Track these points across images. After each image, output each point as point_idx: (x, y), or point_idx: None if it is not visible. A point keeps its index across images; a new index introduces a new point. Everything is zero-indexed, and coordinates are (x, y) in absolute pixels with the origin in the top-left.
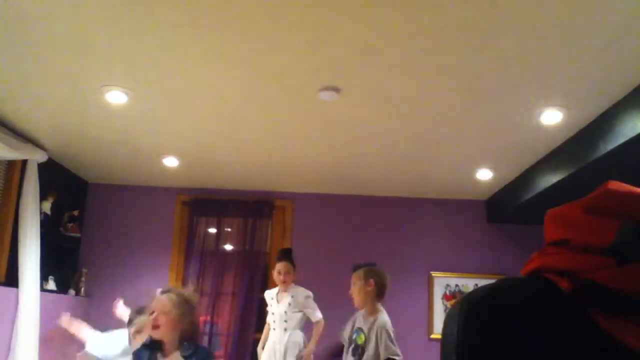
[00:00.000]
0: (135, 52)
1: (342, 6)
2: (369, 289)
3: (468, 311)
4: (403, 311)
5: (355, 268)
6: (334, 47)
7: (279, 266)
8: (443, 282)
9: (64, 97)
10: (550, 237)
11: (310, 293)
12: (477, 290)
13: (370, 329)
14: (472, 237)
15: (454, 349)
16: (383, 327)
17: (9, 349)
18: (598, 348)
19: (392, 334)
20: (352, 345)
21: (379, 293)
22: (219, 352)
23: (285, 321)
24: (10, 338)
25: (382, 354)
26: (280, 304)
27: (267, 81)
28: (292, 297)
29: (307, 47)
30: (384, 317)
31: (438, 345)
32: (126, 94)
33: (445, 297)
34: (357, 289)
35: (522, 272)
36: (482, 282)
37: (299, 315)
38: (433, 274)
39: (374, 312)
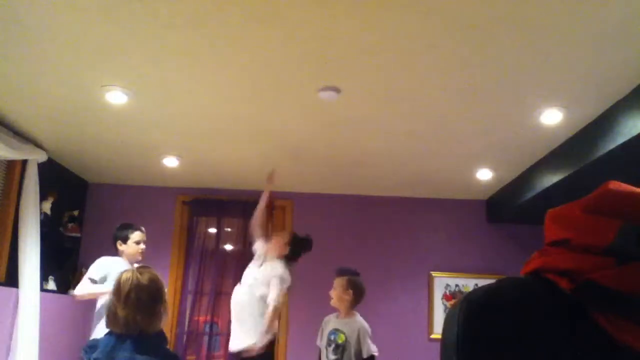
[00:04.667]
0: (136, 52)
1: (342, 6)
2: (347, 297)
3: (468, 311)
4: (403, 311)
5: (340, 273)
6: (334, 47)
7: None
8: (443, 282)
9: (64, 97)
10: (550, 237)
11: (281, 272)
12: (477, 290)
13: (351, 330)
14: (472, 237)
15: (454, 349)
16: (364, 328)
17: (9, 349)
18: (598, 348)
19: (370, 334)
20: (333, 346)
21: (356, 302)
22: (219, 353)
23: (250, 285)
24: (10, 338)
25: (365, 352)
26: (256, 264)
27: (267, 81)
28: (268, 264)
29: (307, 47)
30: (361, 319)
31: (438, 345)
32: (126, 94)
33: (445, 297)
34: (337, 294)
35: (522, 272)
36: (482, 282)
37: (262, 290)
38: (433, 274)
39: (349, 315)
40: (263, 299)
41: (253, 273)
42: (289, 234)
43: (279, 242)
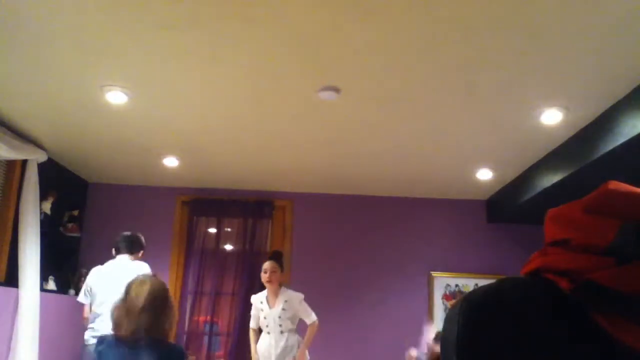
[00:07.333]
0: (135, 52)
1: (342, 6)
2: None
3: (468, 311)
4: (403, 311)
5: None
6: (334, 47)
7: (265, 265)
8: (443, 282)
9: (64, 97)
10: (550, 237)
11: (302, 296)
12: (477, 290)
13: None
14: (472, 237)
15: (454, 349)
16: None
17: (9, 349)
18: (598, 348)
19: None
20: None
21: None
22: (219, 353)
23: (280, 325)
24: (10, 338)
25: None
26: (273, 309)
27: (267, 81)
28: (286, 301)
29: (307, 47)
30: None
31: None
32: (126, 94)
33: (445, 297)
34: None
35: (522, 272)
36: (482, 282)
37: (293, 318)
38: (433, 274)
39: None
40: (292, 329)
41: (273, 317)
42: (273, 262)
43: (276, 275)
